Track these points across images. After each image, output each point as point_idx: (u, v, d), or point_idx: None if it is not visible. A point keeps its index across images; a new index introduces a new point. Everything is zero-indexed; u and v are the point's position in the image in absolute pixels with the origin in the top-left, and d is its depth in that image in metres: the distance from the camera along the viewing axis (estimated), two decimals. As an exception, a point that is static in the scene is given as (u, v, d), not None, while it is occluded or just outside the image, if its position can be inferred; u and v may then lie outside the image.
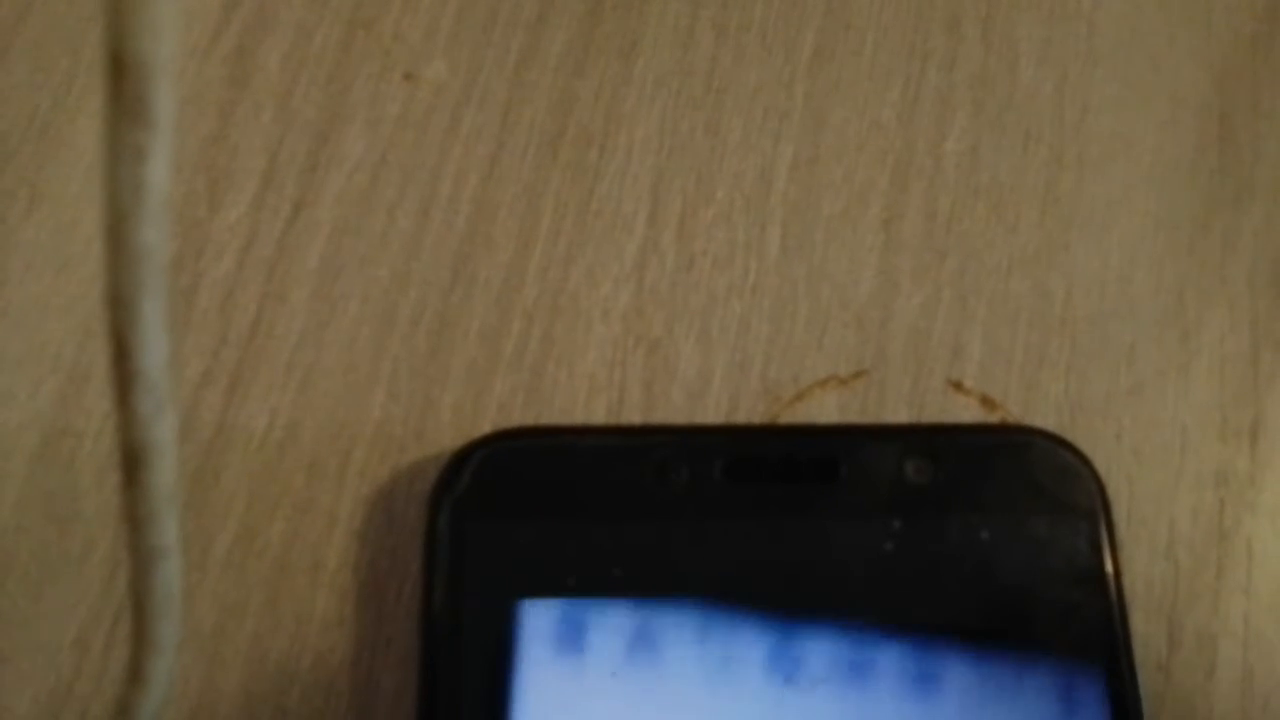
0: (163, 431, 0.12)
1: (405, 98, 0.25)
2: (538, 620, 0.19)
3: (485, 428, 0.22)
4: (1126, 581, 0.21)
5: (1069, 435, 0.22)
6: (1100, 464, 0.21)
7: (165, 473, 0.12)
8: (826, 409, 0.23)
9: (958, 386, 0.23)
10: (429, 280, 0.23)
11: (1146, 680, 0.20)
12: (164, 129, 0.10)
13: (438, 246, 0.24)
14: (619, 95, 0.25)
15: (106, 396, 0.22)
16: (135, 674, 0.14)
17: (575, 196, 0.24)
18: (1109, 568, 0.21)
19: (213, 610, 0.20)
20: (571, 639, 0.19)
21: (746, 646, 0.19)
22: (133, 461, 0.12)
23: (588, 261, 0.24)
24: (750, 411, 0.23)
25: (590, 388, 0.23)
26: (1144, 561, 0.22)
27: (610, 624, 0.19)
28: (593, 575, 0.20)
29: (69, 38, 0.25)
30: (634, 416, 0.23)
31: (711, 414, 0.23)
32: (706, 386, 0.23)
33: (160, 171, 0.10)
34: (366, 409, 0.22)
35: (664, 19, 0.26)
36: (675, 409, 0.23)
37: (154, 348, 0.11)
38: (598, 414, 0.23)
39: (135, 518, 0.13)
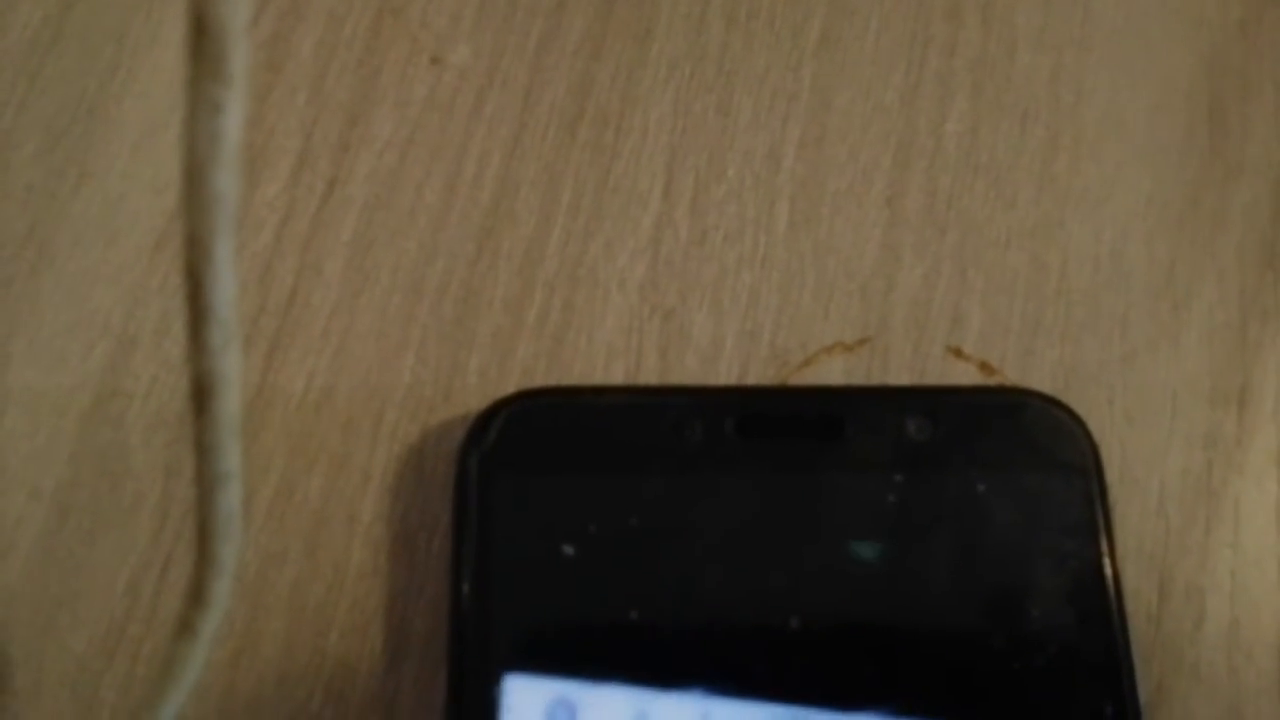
0: (230, 364, 0.13)
1: (432, 81, 0.26)
2: (559, 565, 0.20)
3: (509, 390, 0.23)
4: (1118, 537, 0.22)
5: (1064, 400, 0.23)
6: (1094, 428, 0.22)
7: (231, 402, 0.13)
8: (833, 374, 0.24)
9: (957, 353, 0.24)
10: (455, 252, 0.25)
11: (1137, 630, 0.21)
12: (239, 85, 0.12)
13: (463, 221, 0.25)
14: (634, 78, 0.26)
15: (154, 360, 0.23)
16: (197, 594, 0.15)
17: (593, 174, 0.26)
18: (1101, 523, 0.21)
19: (255, 559, 0.22)
20: (591, 583, 0.20)
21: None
22: (202, 391, 0.13)
23: (606, 235, 0.25)
24: (760, 377, 0.24)
25: (608, 354, 0.24)
26: (1136, 519, 0.23)
27: (629, 571, 0.21)
28: (611, 524, 0.21)
29: (114, 25, 0.26)
30: (649, 381, 0.24)
31: (723, 379, 0.24)
32: (719, 353, 0.24)
33: (235, 124, 0.12)
34: (397, 372, 0.23)
35: (677, 6, 0.27)
36: (689, 375, 0.24)
37: (224, 285, 0.13)
38: (615, 379, 0.24)
39: (202, 445, 0.14)
